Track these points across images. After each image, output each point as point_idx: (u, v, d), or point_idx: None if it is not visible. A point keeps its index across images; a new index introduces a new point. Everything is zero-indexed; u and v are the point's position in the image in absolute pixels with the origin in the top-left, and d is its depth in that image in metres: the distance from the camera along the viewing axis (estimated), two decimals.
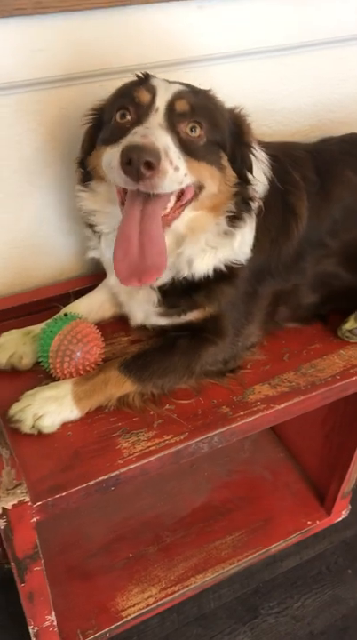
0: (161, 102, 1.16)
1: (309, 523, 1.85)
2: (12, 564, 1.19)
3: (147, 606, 1.64)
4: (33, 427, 1.21)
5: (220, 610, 1.93)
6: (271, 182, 1.34)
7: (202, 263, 1.29)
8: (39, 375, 1.34)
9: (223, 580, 1.81)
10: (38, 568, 1.23)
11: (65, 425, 1.25)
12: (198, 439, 1.25)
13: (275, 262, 1.38)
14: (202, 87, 1.25)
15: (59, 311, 1.43)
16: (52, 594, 1.59)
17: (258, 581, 2.00)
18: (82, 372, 1.29)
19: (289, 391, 1.35)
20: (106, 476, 1.17)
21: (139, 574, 1.71)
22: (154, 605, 1.65)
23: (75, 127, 1.32)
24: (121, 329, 1.48)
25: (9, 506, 1.07)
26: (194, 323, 1.35)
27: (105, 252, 1.37)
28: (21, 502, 1.08)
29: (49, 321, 1.35)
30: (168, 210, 1.18)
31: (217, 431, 1.26)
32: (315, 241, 1.41)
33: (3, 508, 1.07)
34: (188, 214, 1.24)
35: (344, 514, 1.94)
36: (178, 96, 1.17)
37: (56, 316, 1.37)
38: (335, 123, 1.81)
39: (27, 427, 1.21)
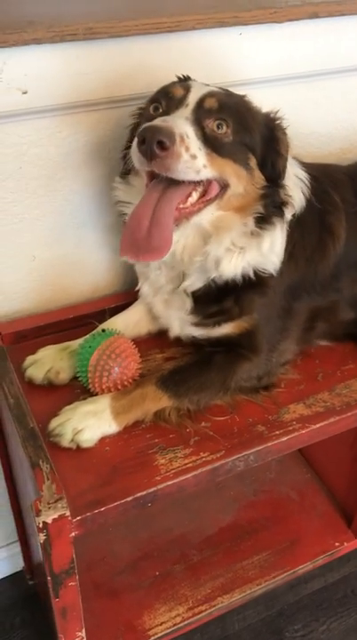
0: (192, 98, 1.20)
1: (336, 545, 1.84)
2: (49, 578, 1.20)
3: (174, 625, 1.63)
4: (72, 441, 1.22)
5: (244, 631, 1.91)
6: (309, 201, 1.36)
7: (230, 264, 1.29)
8: (76, 390, 1.36)
9: (249, 600, 1.80)
10: (73, 583, 1.23)
11: (102, 440, 1.26)
12: (234, 457, 1.26)
13: (311, 280, 1.39)
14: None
15: (94, 328, 1.45)
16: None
17: (283, 603, 1.98)
18: (119, 387, 1.31)
19: (324, 411, 1.35)
20: (143, 492, 1.18)
21: (166, 593, 1.70)
22: (182, 625, 1.64)
23: (114, 148, 1.35)
24: (156, 346, 1.49)
25: (49, 520, 1.08)
26: (228, 337, 1.36)
27: None
28: (62, 516, 1.09)
29: (87, 337, 1.37)
30: (188, 204, 1.21)
31: (253, 450, 1.27)
32: (353, 262, 1.42)
33: (44, 522, 1.08)
34: (214, 213, 1.26)
35: None
36: (209, 94, 1.21)
37: (94, 332, 1.39)
38: None
39: (66, 441, 1.22)
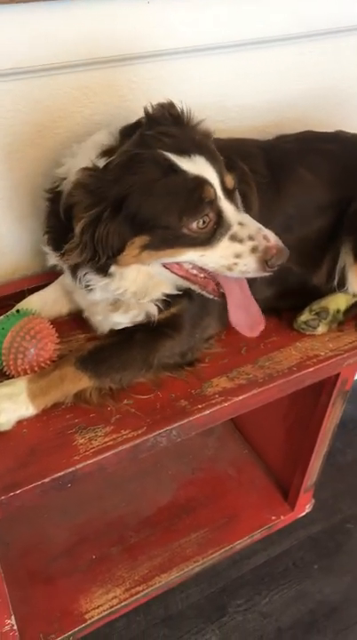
0: (218, 189, 1.19)
1: (273, 518, 1.86)
2: None
3: (111, 607, 1.62)
4: None
5: (188, 610, 1.92)
6: None
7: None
8: None
9: (189, 579, 1.80)
10: None
11: (20, 422, 1.23)
12: (156, 433, 1.24)
13: None
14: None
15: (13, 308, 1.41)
16: (14, 598, 1.56)
17: (226, 579, 1.99)
18: (37, 369, 1.27)
19: (247, 383, 1.35)
20: (61, 473, 1.15)
21: (103, 576, 1.69)
22: (119, 606, 1.63)
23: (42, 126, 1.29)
24: (78, 326, 1.45)
25: None
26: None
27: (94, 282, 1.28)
28: None
29: (1, 318, 1.33)
30: None
31: (175, 424, 1.26)
32: None
33: None
34: None
35: (307, 508, 1.95)
36: (219, 173, 1.19)
37: (8, 313, 1.34)
38: (291, 120, 1.82)
39: None
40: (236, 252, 1.18)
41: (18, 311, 1.33)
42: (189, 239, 1.17)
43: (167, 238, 1.17)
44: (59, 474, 1.15)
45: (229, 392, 1.33)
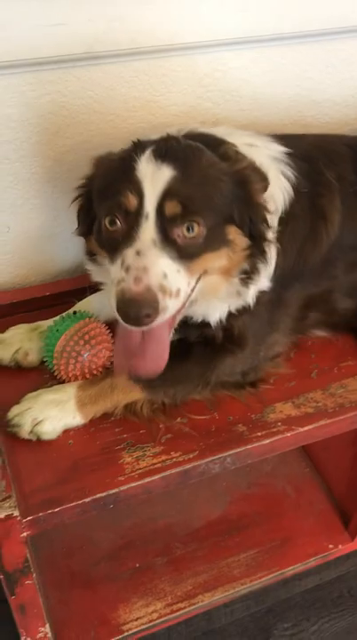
0: (150, 206, 1.03)
1: (331, 547, 1.73)
2: (1, 576, 1.12)
3: (150, 622, 1.55)
4: (32, 432, 1.13)
5: (231, 626, 1.83)
6: (296, 189, 1.21)
7: (215, 313, 1.21)
8: (45, 375, 1.26)
9: (232, 600, 1.71)
10: (30, 582, 1.15)
11: (67, 432, 1.17)
12: (209, 459, 1.15)
13: (302, 268, 1.26)
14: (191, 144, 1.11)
15: (74, 305, 1.35)
16: (53, 600, 1.53)
17: (274, 599, 1.89)
18: (88, 376, 1.21)
19: (315, 413, 1.23)
20: (104, 494, 1.09)
21: (145, 586, 1.62)
22: (158, 621, 1.56)
23: (98, 112, 1.21)
24: None
25: None
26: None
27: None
28: (9, 517, 1.01)
29: (56, 318, 1.27)
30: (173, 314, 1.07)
31: (230, 452, 1.16)
32: (349, 246, 1.28)
33: None
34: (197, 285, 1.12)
35: None
36: (166, 195, 1.03)
37: (64, 314, 1.27)
38: None
39: (25, 432, 1.13)
40: (117, 279, 1.03)
41: (75, 313, 1.25)
42: (104, 239, 1.08)
43: (99, 230, 1.11)
44: (102, 494, 1.09)
45: (293, 421, 1.21)
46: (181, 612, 1.58)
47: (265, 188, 1.13)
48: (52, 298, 1.41)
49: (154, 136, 1.13)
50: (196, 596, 1.61)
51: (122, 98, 1.28)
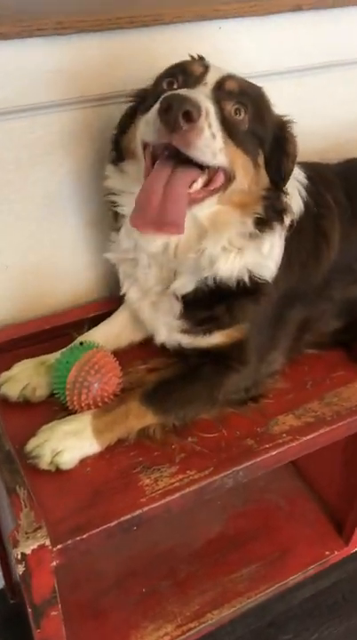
0: (211, 78, 1.12)
1: (327, 553, 1.79)
2: (29, 610, 1.12)
3: None
4: (51, 463, 1.15)
5: None
6: (306, 204, 1.30)
7: (226, 264, 1.20)
8: (54, 407, 1.28)
9: (239, 614, 1.74)
10: (55, 613, 1.16)
11: (83, 460, 1.19)
12: (223, 474, 1.20)
13: (305, 287, 1.33)
14: None
15: (72, 339, 1.38)
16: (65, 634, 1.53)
17: (273, 613, 1.93)
18: (100, 404, 1.24)
19: (315, 422, 1.30)
20: (128, 516, 1.11)
21: (154, 610, 1.63)
22: None
23: (93, 150, 1.28)
24: (138, 356, 1.42)
25: (28, 551, 1.01)
26: (217, 347, 1.29)
27: (122, 241, 1.30)
28: (41, 547, 1.02)
29: (64, 350, 1.29)
30: (192, 190, 1.11)
31: (242, 465, 1.21)
32: (343, 267, 1.37)
33: (22, 554, 1.01)
34: (212, 207, 1.17)
35: None
36: (229, 76, 1.14)
37: (71, 345, 1.31)
38: (351, 143, 1.77)
39: (45, 463, 1.15)
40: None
41: (81, 343, 1.29)
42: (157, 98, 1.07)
43: (150, 101, 1.14)
44: (126, 517, 1.11)
45: (297, 431, 1.28)
46: (192, 631, 1.60)
47: (296, 150, 1.21)
48: (52, 331, 1.44)
49: None
50: (205, 614, 1.64)
51: None
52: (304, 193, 1.31)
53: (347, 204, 1.38)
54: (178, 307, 1.28)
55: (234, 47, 1.40)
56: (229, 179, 1.14)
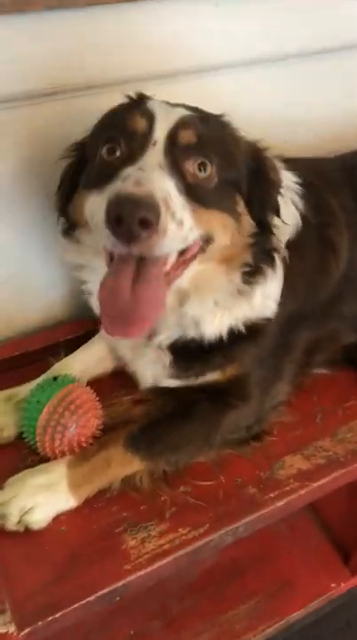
0: (160, 132, 0.91)
1: (332, 585, 1.64)
2: None
3: None
4: (19, 522, 0.98)
5: None
6: (304, 217, 1.11)
7: (212, 325, 1.06)
8: (24, 451, 1.11)
9: None
10: None
11: (57, 518, 1.02)
12: (221, 532, 1.04)
13: (312, 305, 1.17)
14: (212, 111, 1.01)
15: (48, 364, 1.20)
16: None
17: None
18: (76, 450, 1.06)
19: (326, 463, 1.14)
20: (110, 587, 0.96)
21: None
22: None
23: (61, 148, 1.08)
24: (121, 386, 1.24)
25: None
26: (212, 384, 1.12)
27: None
28: (5, 635, 0.86)
29: (34, 388, 1.11)
30: (168, 268, 0.94)
31: (243, 521, 1.05)
32: (354, 278, 1.20)
33: None
34: (193, 268, 1.00)
35: None
36: (182, 124, 0.93)
37: (43, 381, 1.12)
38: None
39: (12, 523, 0.98)
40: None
41: (55, 379, 1.10)
42: (96, 171, 0.94)
43: (89, 175, 0.98)
44: (107, 589, 0.95)
45: (306, 475, 1.11)
46: None
47: (279, 183, 1.04)
48: (23, 357, 1.26)
49: None
50: None
51: None
52: (300, 202, 1.13)
53: (355, 206, 1.19)
54: (166, 357, 1.12)
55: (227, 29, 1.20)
56: (207, 240, 0.96)
